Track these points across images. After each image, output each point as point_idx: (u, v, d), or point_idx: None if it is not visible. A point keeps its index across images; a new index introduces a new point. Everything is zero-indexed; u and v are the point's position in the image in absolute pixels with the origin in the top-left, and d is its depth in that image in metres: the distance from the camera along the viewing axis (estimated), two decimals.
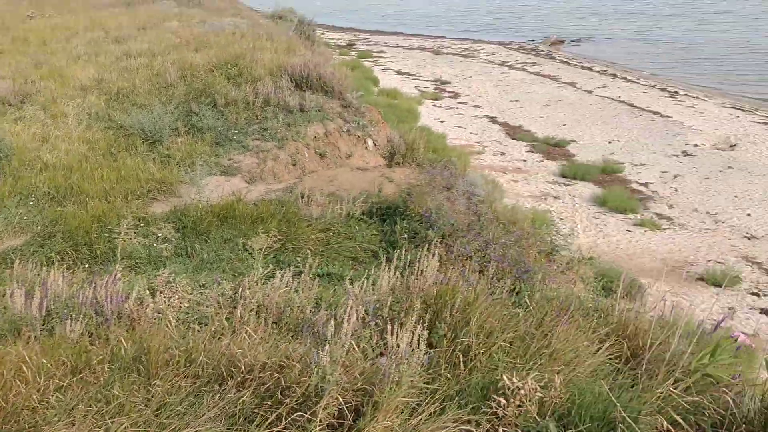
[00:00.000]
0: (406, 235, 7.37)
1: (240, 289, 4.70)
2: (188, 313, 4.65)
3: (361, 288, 4.65)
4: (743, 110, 26.29)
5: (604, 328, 4.32)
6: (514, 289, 5.59)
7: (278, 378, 3.44)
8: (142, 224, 7.11)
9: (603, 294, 6.81)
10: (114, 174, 8.42)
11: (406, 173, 10.08)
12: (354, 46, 46.29)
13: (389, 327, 3.65)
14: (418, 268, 4.91)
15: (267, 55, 14.10)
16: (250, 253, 6.54)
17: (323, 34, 45.35)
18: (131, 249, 6.52)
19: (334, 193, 8.84)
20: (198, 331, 4.12)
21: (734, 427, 3.44)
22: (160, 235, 6.88)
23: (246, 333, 3.95)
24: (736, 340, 8.16)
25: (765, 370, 4.31)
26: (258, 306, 4.58)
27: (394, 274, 4.89)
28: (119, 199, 7.79)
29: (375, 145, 12.61)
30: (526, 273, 5.90)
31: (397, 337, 3.55)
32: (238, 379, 3.46)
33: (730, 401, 3.49)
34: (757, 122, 24.09)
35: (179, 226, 7.16)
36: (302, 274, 5.09)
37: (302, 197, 8.30)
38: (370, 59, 39.10)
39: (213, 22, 19.59)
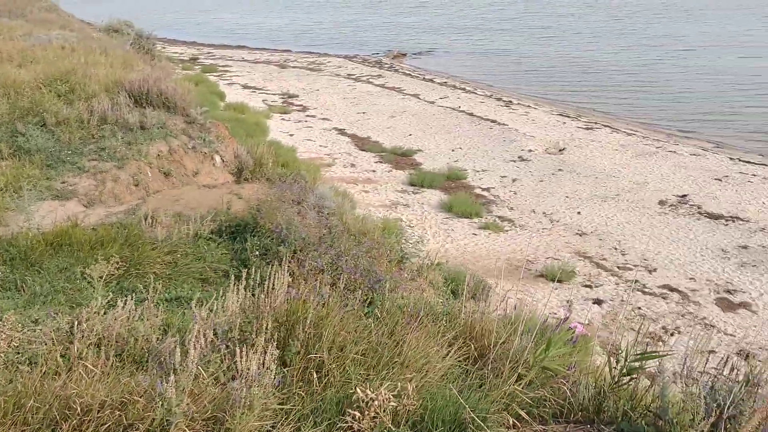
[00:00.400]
0: (257, 252, 7.25)
1: (77, 322, 4.38)
2: (18, 353, 4.27)
3: (211, 310, 4.50)
4: (569, 117, 28.49)
5: (452, 331, 4.47)
6: (367, 299, 5.65)
7: (120, 416, 3.24)
8: None
9: (452, 297, 7.08)
10: None
11: (255, 189, 9.92)
12: (198, 60, 45.07)
13: (238, 349, 3.55)
14: (269, 285, 4.83)
15: (101, 70, 13.36)
16: (89, 282, 6.12)
17: (164, 48, 43.75)
18: None
19: (180, 213, 8.52)
20: (28, 372, 3.78)
21: (572, 414, 3.69)
22: None
23: (84, 370, 3.68)
24: (573, 331, 8.76)
25: (596, 356, 4.65)
26: (98, 339, 4.29)
27: (245, 293, 4.78)
28: None
29: (223, 161, 12.33)
30: (378, 283, 5.99)
31: (247, 359, 3.47)
32: (74, 422, 3.20)
33: (567, 391, 3.74)
34: (581, 128, 26.19)
35: (6, 258, 6.57)
36: (147, 301, 4.84)
37: (146, 219, 7.92)
38: (215, 73, 38.25)
39: (39, 35, 18.28)
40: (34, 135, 10.05)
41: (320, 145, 22.76)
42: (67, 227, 7.30)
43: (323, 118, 27.19)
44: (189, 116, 12.65)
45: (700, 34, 57.01)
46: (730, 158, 22.21)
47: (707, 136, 26.13)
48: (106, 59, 14.79)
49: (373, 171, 20.03)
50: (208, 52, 51.54)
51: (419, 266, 7.72)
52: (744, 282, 13.06)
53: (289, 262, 6.64)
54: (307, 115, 27.74)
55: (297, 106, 29.73)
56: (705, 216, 16.63)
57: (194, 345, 3.50)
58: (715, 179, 19.51)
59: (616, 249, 14.66)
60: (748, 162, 21.77)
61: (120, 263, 6.32)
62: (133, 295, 4.87)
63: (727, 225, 16.04)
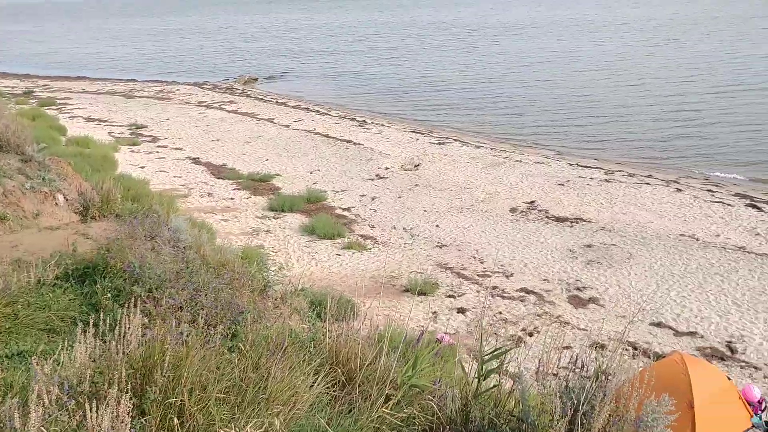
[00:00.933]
0: (109, 295, 6.81)
1: None
2: None
3: (58, 363, 4.16)
4: (421, 133, 29.45)
5: (317, 357, 4.41)
6: (230, 333, 5.47)
7: None
8: None
9: (318, 322, 7.01)
10: None
11: (103, 227, 9.36)
12: (33, 94, 42.20)
13: (88, 404, 3.30)
14: (122, 329, 4.54)
15: None
16: None
17: None
18: None
19: (20, 260, 7.85)
20: None
21: (441, 429, 3.74)
22: None
23: None
24: (440, 342, 8.96)
25: (461, 367, 4.77)
26: None
27: (95, 340, 4.46)
28: None
29: (66, 200, 11.55)
30: (240, 315, 5.81)
31: (98, 415, 3.22)
32: None
33: (435, 406, 3.79)
34: (434, 143, 27.16)
35: None
36: None
37: None
38: (53, 107, 35.95)
39: None
40: None
41: (174, 176, 21.98)
42: None
43: (176, 148, 26.31)
44: (25, 154, 11.78)
45: (537, 49, 61.16)
46: (570, 164, 23.87)
47: (549, 145, 27.96)
48: None
49: (232, 199, 19.61)
50: (45, 85, 48.39)
51: (283, 293, 7.60)
52: (591, 278, 14.02)
53: (145, 302, 6.31)
54: (159, 146, 26.72)
55: (147, 136, 28.56)
56: (552, 220, 17.72)
57: (36, 405, 3.21)
58: (559, 184, 20.87)
59: (474, 258, 15.25)
60: (586, 167, 23.50)
61: None
62: None
63: (572, 227, 17.18)
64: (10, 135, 11.87)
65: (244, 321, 5.57)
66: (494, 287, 13.63)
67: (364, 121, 32.47)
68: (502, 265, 14.79)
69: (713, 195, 19.83)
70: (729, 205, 18.74)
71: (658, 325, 12.08)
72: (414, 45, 71.27)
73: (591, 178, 21.63)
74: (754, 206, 18.59)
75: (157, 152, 25.55)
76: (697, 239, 16.11)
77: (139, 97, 41.26)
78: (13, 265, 7.60)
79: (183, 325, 5.21)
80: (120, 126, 30.86)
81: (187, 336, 4.80)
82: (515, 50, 61.65)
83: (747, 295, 13.06)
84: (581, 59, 53.11)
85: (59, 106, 36.56)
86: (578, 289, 13.56)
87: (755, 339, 11.51)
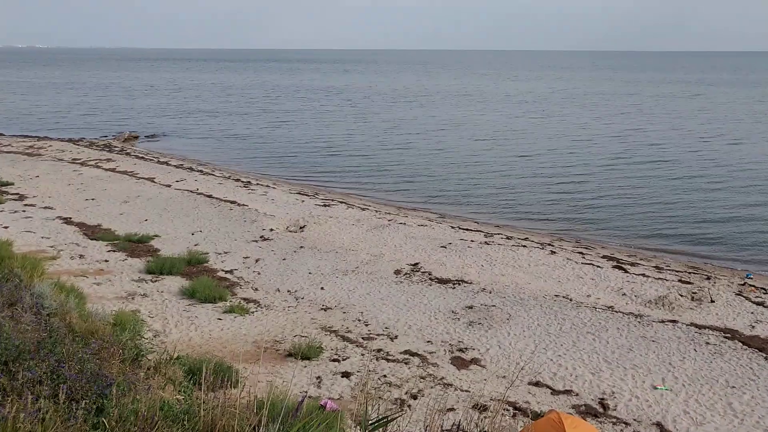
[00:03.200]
0: None
1: None
2: None
3: None
4: (307, 195, 29.48)
5: None
6: (95, 408, 5.06)
7: None
8: None
9: (195, 391, 6.64)
10: None
11: None
12: None
13: None
14: None
15: None
16: None
17: None
18: None
19: None
20: None
21: None
22: None
23: None
24: (324, 408, 8.73)
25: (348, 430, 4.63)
26: None
27: None
28: None
29: None
30: (108, 387, 5.40)
31: None
32: None
33: None
34: (319, 204, 27.21)
35: None
36: None
37: None
38: None
39: None
40: None
41: (42, 237, 20.63)
42: None
43: (45, 207, 24.81)
44: None
45: (427, 117, 63.54)
46: (452, 227, 24.57)
47: (432, 208, 28.74)
48: None
49: (106, 261, 18.59)
50: None
51: (157, 362, 7.17)
52: (473, 339, 14.26)
53: (0, 375, 5.74)
54: (26, 204, 25.10)
55: (13, 194, 26.79)
56: (435, 281, 18.02)
57: None
58: (441, 247, 21.36)
59: (359, 320, 15.16)
60: (467, 229, 24.26)
61: None
62: None
63: (454, 288, 17.53)
64: None
65: (112, 394, 5.18)
66: (378, 350, 13.55)
67: (249, 182, 32.12)
68: (386, 327, 14.78)
69: (584, 257, 20.96)
70: (598, 266, 19.85)
71: (537, 384, 12.40)
72: (304, 108, 72.11)
73: (472, 241, 22.30)
74: (620, 268, 19.79)
75: (24, 211, 23.97)
76: (571, 299, 16.87)
77: (6, 152, 38.88)
78: None
79: (41, 401, 4.77)
80: None
81: (45, 413, 4.41)
82: (405, 117, 63.75)
83: (616, 353, 13.73)
84: (469, 128, 55.66)
85: None
86: (461, 350, 13.74)
87: (625, 395, 12.04)
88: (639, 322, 15.45)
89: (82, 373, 5.66)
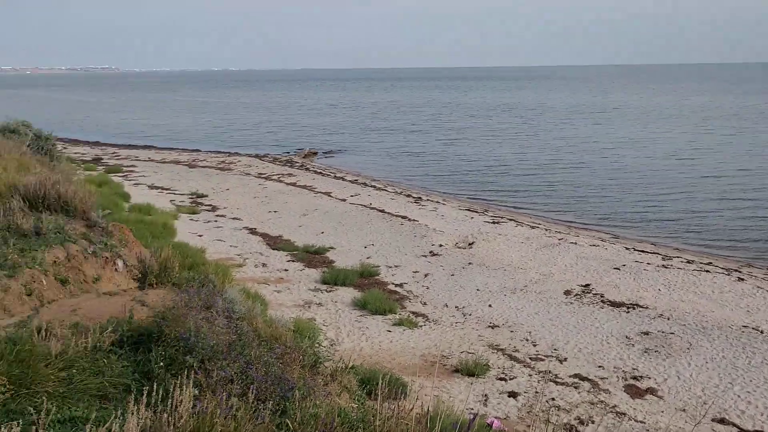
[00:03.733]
0: (162, 364, 6.86)
1: None
2: None
3: (109, 431, 4.18)
4: (476, 211, 29.44)
5: None
6: (279, 409, 5.42)
7: None
8: None
9: (367, 400, 6.90)
10: None
11: (160, 295, 9.53)
12: (102, 161, 44.17)
13: None
14: (173, 400, 4.56)
15: None
16: None
17: (65, 148, 42.76)
18: None
19: (78, 324, 8.02)
20: None
21: None
22: None
23: None
24: (491, 427, 8.67)
25: None
26: None
27: (146, 410, 4.48)
28: None
29: (126, 266, 11.87)
30: (290, 391, 5.76)
31: None
32: None
33: None
34: (487, 222, 27.07)
35: None
36: (36, 425, 4.45)
37: (39, 332, 7.40)
38: (119, 174, 37.48)
39: None
40: None
41: (231, 245, 22.39)
42: None
43: (233, 218, 26.91)
44: (90, 220, 12.21)
45: (603, 135, 61.23)
46: (626, 248, 23.38)
47: (604, 228, 27.54)
48: (0, 161, 14.21)
49: (286, 270, 19.79)
50: (113, 152, 50.67)
51: (333, 369, 7.52)
52: (648, 368, 13.45)
53: (196, 372, 6.33)
54: (217, 215, 27.40)
55: (206, 206, 29.36)
56: (608, 304, 17.24)
57: None
58: (614, 268, 20.40)
59: (527, 340, 14.87)
60: (642, 251, 22.97)
61: (7, 384, 5.82)
62: (21, 418, 4.47)
63: (628, 312, 16.65)
64: (77, 201, 12.34)
65: (294, 397, 5.52)
66: (546, 372, 13.20)
67: (420, 197, 32.72)
68: (555, 349, 14.36)
69: None
70: None
71: (722, 421, 11.43)
72: (476, 126, 72.24)
73: (648, 264, 21.08)
74: None
75: (215, 221, 26.17)
76: (762, 332, 15.39)
77: (202, 167, 42.68)
78: (72, 329, 7.77)
79: (233, 398, 5.20)
80: (181, 194, 31.85)
81: (237, 410, 4.79)
82: (581, 135, 61.74)
83: None
84: (648, 146, 52.86)
85: (125, 174, 38.10)
86: (635, 378, 13.02)
87: None
88: None
89: (267, 375, 6.09)
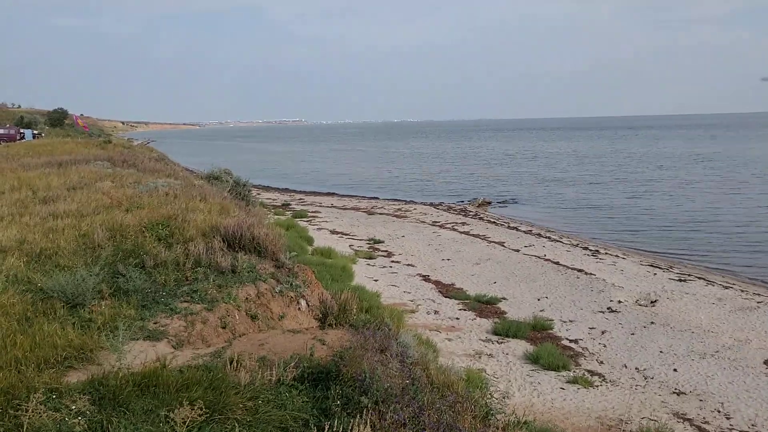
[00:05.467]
0: (338, 402, 7.11)
1: None
2: None
3: None
4: (660, 267, 27.62)
5: None
6: None
7: None
8: (54, 396, 6.63)
9: None
10: (28, 341, 7.96)
11: (339, 335, 9.91)
12: (289, 206, 47.21)
13: None
14: None
15: (200, 215, 14.17)
16: (172, 426, 6.14)
17: (258, 194, 46.26)
18: (39, 425, 6.03)
19: (264, 357, 8.56)
20: None
21: None
22: (73, 408, 6.41)
23: None
24: None
25: None
26: None
27: None
28: (32, 368, 7.31)
29: (308, 305, 12.50)
30: None
31: None
32: None
33: None
34: (673, 279, 25.26)
35: (96, 398, 6.71)
36: None
37: (231, 363, 7.99)
38: (305, 219, 39.81)
39: (147, 182, 19.74)
40: (134, 276, 10.57)
41: (404, 291, 22.81)
42: (155, 368, 7.44)
43: (408, 264, 27.45)
44: (278, 260, 13.04)
45: None
46: None
47: None
48: (205, 205, 15.70)
49: (457, 318, 19.75)
50: (300, 198, 54.02)
51: (505, 423, 7.34)
52: None
53: (371, 413, 6.48)
54: (392, 261, 28.10)
55: (382, 251, 30.24)
56: None
57: None
58: None
59: (719, 411, 13.56)
60: None
61: (203, 408, 6.33)
62: None
63: None
64: (268, 243, 13.26)
65: None
66: None
67: (597, 251, 31.39)
68: (753, 425, 12.93)
69: None
70: None
71: None
72: (664, 178, 68.19)
73: None
74: None
75: (390, 267, 26.84)
76: None
77: (379, 213, 44.17)
78: (259, 363, 8.30)
79: None
80: (360, 240, 33.12)
81: None
82: None
83: None
84: None
85: (309, 218, 40.41)
86: None
87: None
88: None
89: (439, 423, 6.10)
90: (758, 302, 21.95)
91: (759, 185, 59.17)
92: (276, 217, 35.24)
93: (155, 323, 9.47)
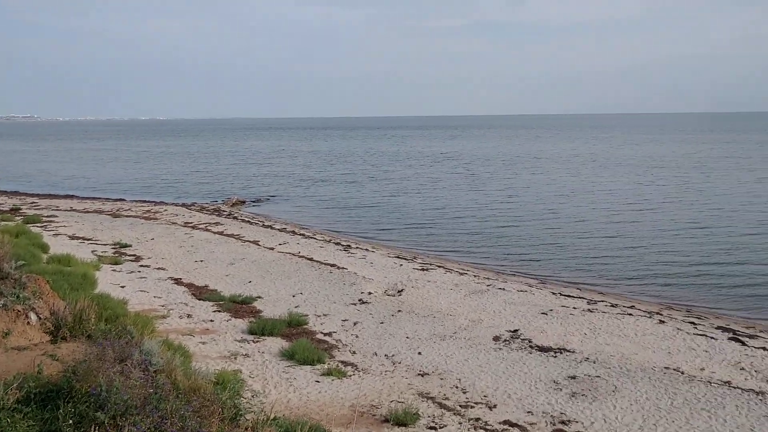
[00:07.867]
0: (71, 421, 6.50)
1: None
2: None
3: None
4: (405, 259, 29.59)
5: None
6: None
7: None
8: None
9: None
10: None
11: (73, 348, 9.08)
12: (20, 211, 42.38)
13: None
14: None
15: None
16: None
17: None
18: None
19: None
20: None
21: None
22: None
23: None
24: None
25: None
26: None
27: None
28: None
29: (39, 318, 11.27)
30: None
31: None
32: None
33: None
34: (417, 269, 27.22)
35: None
36: None
37: None
38: (39, 224, 35.96)
39: None
40: None
41: (154, 296, 21.67)
42: None
43: (158, 268, 26.13)
44: (2, 271, 11.62)
45: (545, 185, 62.68)
46: (553, 293, 23.88)
47: (532, 274, 28.10)
48: None
49: (211, 321, 19.25)
50: (33, 202, 48.76)
51: (254, 422, 7.26)
52: (576, 412, 13.61)
53: (107, 429, 6.01)
54: (141, 265, 26.55)
55: (130, 256, 28.43)
56: (536, 349, 17.45)
57: None
58: (542, 313, 20.75)
59: (457, 387, 14.84)
60: (569, 296, 23.52)
61: None
62: None
63: (555, 357, 16.89)
64: None
65: None
66: (477, 419, 13.16)
67: (349, 245, 32.67)
68: (485, 396, 14.37)
69: (696, 327, 19.76)
70: (712, 338, 18.63)
71: None
72: (411, 175, 72.92)
73: (574, 308, 21.56)
74: (737, 340, 18.49)
75: (139, 272, 25.34)
76: (682, 372, 15.86)
77: (126, 216, 41.51)
78: None
79: None
80: (104, 245, 30.79)
81: None
82: (517, 184, 63.01)
83: None
84: (583, 195, 54.24)
85: (44, 224, 36.61)
86: (563, 422, 13.12)
87: None
88: (761, 400, 14.28)
89: (183, 429, 5.84)
90: (488, 285, 24.49)
91: (495, 180, 66.19)
92: (3, 223, 31.38)
93: None
